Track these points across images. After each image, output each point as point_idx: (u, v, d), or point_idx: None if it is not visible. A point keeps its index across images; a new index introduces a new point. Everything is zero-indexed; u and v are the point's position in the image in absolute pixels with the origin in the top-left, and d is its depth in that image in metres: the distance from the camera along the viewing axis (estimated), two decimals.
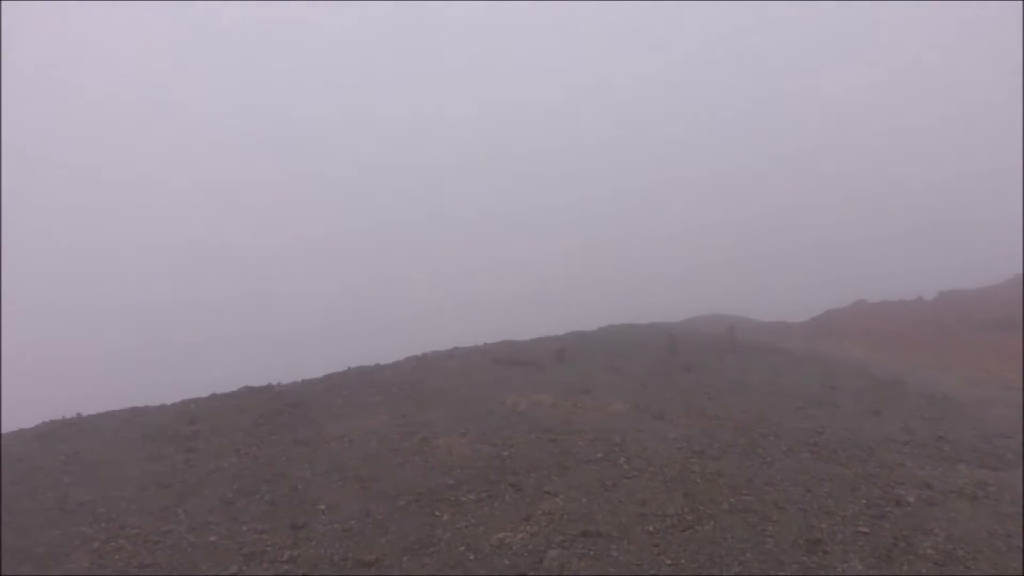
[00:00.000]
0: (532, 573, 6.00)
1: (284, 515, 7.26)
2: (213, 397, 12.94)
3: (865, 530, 6.78)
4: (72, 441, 9.87)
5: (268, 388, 13.53)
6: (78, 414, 11.65)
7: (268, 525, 7.02)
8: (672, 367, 15.68)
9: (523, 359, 16.06)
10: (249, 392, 13.14)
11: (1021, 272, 36.88)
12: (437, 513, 7.26)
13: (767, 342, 25.87)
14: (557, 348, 17.08)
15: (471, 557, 6.32)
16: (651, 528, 6.88)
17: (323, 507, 7.46)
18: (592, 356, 17.23)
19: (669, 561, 6.20)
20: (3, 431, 10.57)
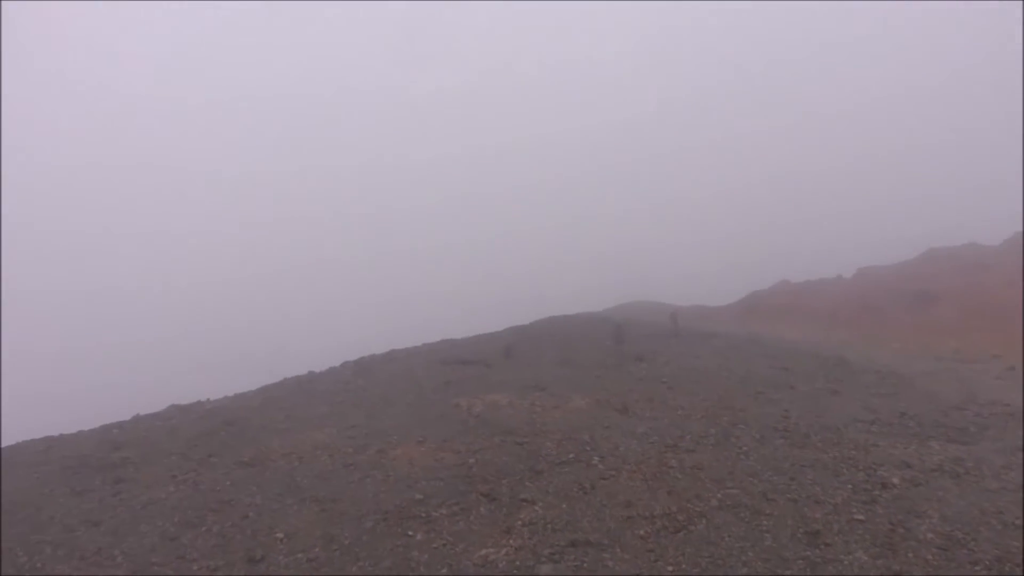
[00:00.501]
0: None
1: (238, 548, 6.46)
2: (138, 419, 11.78)
3: (860, 517, 6.63)
4: None
5: (198, 405, 12.45)
6: None
7: (221, 561, 6.21)
8: (623, 358, 15.47)
9: (469, 358, 15.48)
10: (178, 411, 12.05)
11: (929, 248, 39.20)
12: (409, 533, 6.63)
13: (705, 327, 26.31)
14: (503, 345, 16.59)
15: None
16: (642, 532, 6.50)
17: (281, 535, 6.69)
18: (539, 351, 16.82)
19: (670, 567, 5.82)
20: None
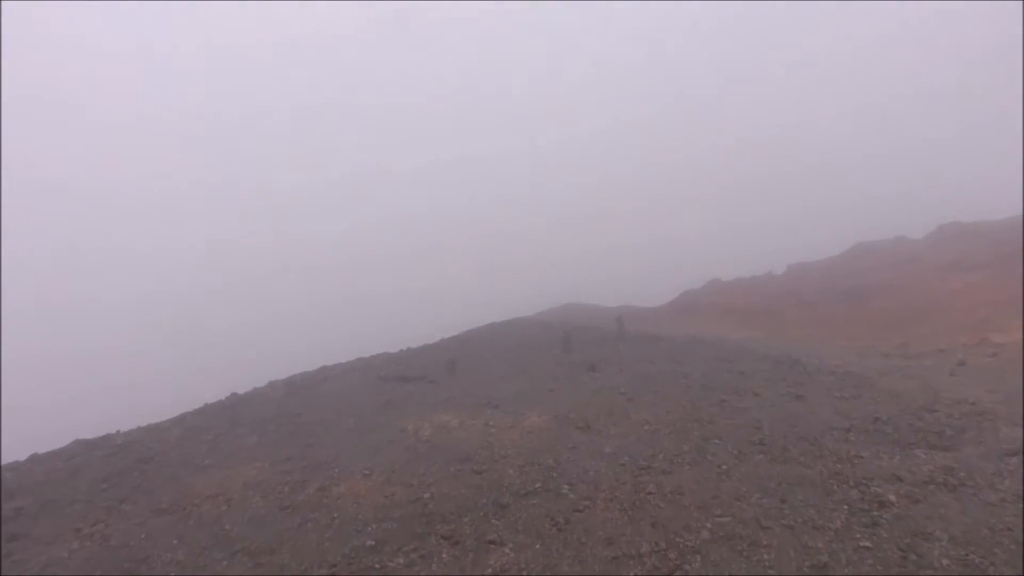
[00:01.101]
0: None
1: None
2: (34, 460, 10.25)
3: (867, 544, 6.14)
4: None
5: (107, 440, 11.03)
6: None
7: None
8: (574, 367, 14.86)
9: (411, 374, 14.53)
10: (82, 447, 10.62)
11: (857, 243, 40.64)
12: None
13: (646, 328, 26.13)
14: (445, 358, 15.71)
15: None
16: None
17: None
18: (485, 363, 16.02)
19: None
20: None
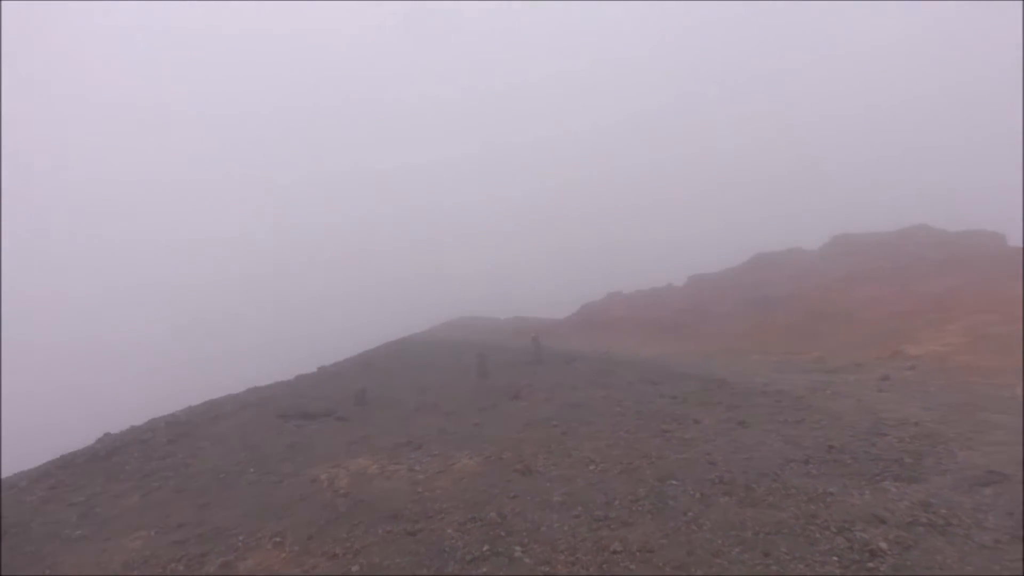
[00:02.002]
0: None
1: None
2: None
3: None
4: None
5: None
6: None
7: None
8: (496, 395, 13.92)
9: (315, 409, 13.07)
10: None
11: (756, 254, 42.13)
12: None
13: (556, 347, 25.59)
14: (350, 388, 14.31)
15: None
16: None
17: None
18: (393, 392, 14.77)
19: None
20: None
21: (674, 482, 8.50)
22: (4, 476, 11.46)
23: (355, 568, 6.39)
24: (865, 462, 9.13)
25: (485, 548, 6.74)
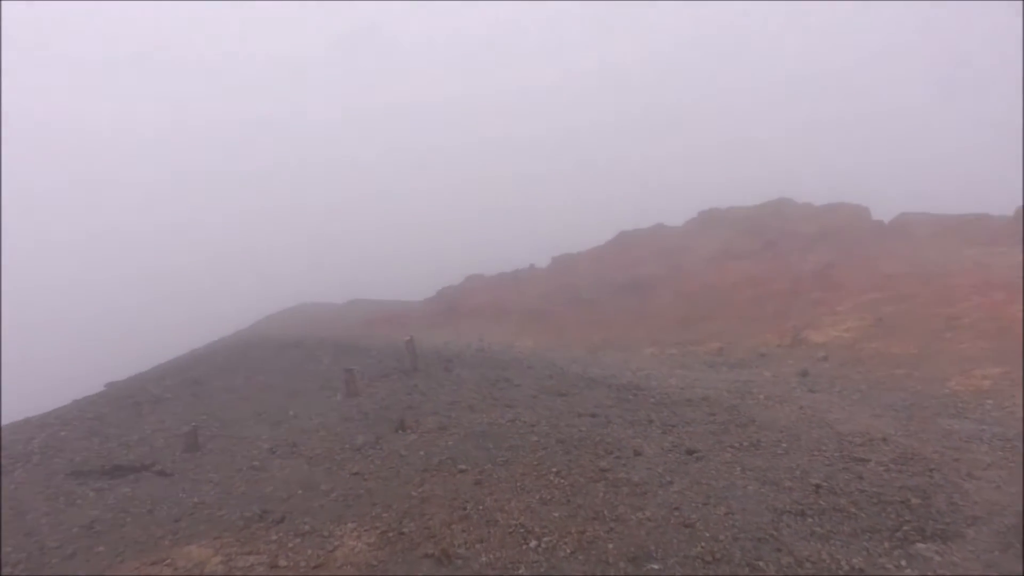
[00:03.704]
0: None
1: None
2: None
3: None
4: None
5: None
6: None
7: None
8: (373, 423, 11.08)
9: (124, 459, 9.65)
10: None
11: (620, 232, 41.38)
12: None
13: (419, 340, 22.85)
14: (181, 424, 10.84)
15: None
16: None
17: None
18: (234, 426, 11.48)
19: None
20: None
21: (654, 566, 6.25)
22: None
23: None
24: (870, 509, 7.37)
25: None
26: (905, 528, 6.84)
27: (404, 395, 13.05)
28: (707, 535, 6.80)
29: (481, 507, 7.67)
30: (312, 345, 21.40)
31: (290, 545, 7.02)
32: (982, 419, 10.49)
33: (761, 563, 6.21)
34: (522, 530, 7.09)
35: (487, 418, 11.15)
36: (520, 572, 6.22)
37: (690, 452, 9.35)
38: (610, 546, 6.65)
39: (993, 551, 6.30)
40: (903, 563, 6.17)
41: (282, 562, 6.61)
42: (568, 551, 6.58)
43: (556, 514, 7.40)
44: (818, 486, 7.94)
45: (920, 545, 6.51)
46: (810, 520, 7.12)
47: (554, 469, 8.77)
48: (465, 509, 7.63)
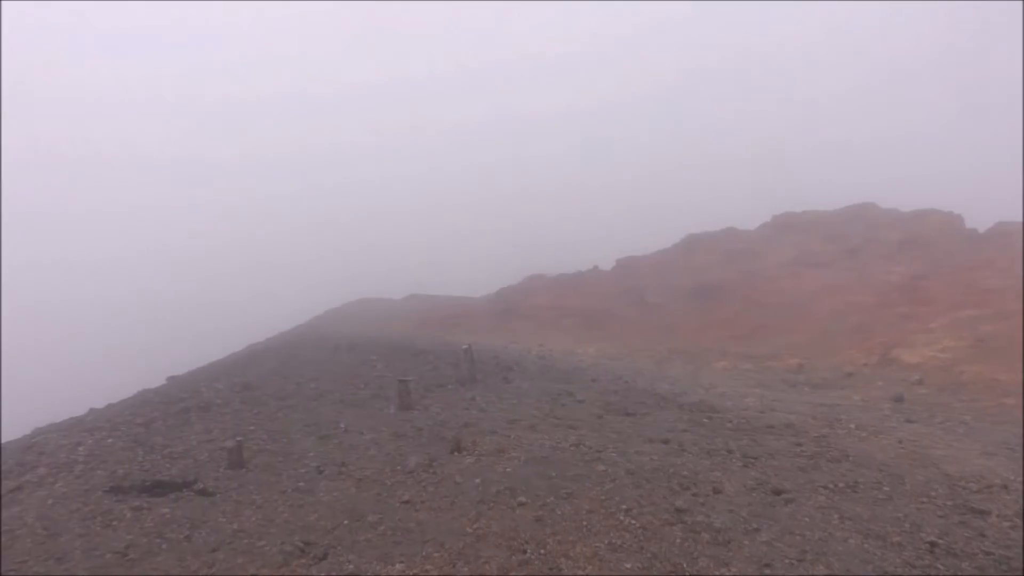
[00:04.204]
0: None
1: None
2: None
3: None
4: None
5: None
6: None
7: None
8: (426, 443, 10.40)
9: (166, 473, 9.24)
10: None
11: (688, 235, 39.99)
12: None
13: (478, 344, 22.21)
14: (227, 438, 10.38)
15: None
16: None
17: None
18: (281, 439, 10.96)
19: None
20: None
21: None
22: None
23: None
24: None
25: None
26: None
27: (461, 409, 12.36)
28: None
29: (543, 551, 6.89)
30: (366, 347, 20.96)
31: None
32: None
33: None
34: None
35: (549, 440, 10.36)
36: None
37: (777, 492, 8.38)
38: None
39: None
40: None
41: None
42: None
43: (628, 565, 6.57)
44: (933, 544, 6.90)
45: None
46: None
47: (624, 506, 7.92)
48: (525, 552, 6.87)
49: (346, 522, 7.80)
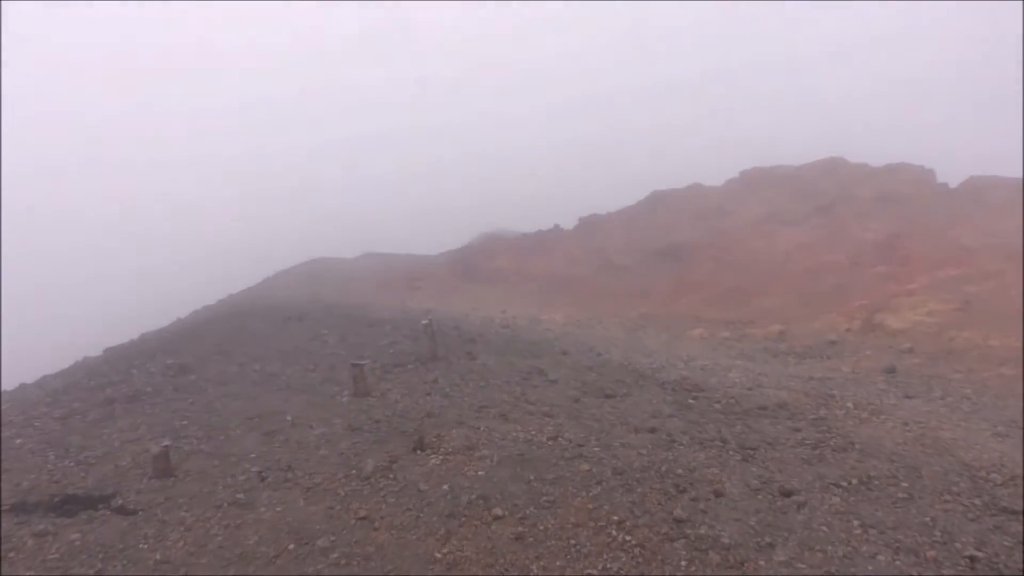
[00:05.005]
0: None
1: None
2: None
3: None
4: None
5: None
6: None
7: None
8: (386, 436, 9.29)
9: (81, 489, 7.81)
10: None
11: (653, 191, 38.97)
12: None
13: (439, 312, 21.03)
14: (155, 451, 9.00)
15: None
16: None
17: None
18: (216, 433, 9.72)
19: None
20: None
21: None
22: None
23: None
24: None
25: None
26: None
27: (422, 395, 11.21)
28: None
29: None
30: (318, 316, 19.64)
31: None
32: None
33: None
34: None
35: (523, 433, 9.32)
36: None
37: (786, 494, 7.49)
38: None
39: None
40: None
41: None
42: None
43: None
44: (973, 560, 6.08)
45: None
46: None
47: (615, 517, 6.95)
48: None
49: (292, 546, 6.68)
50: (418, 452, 8.75)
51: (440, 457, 8.57)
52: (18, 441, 10.04)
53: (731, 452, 8.68)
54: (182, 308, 31.85)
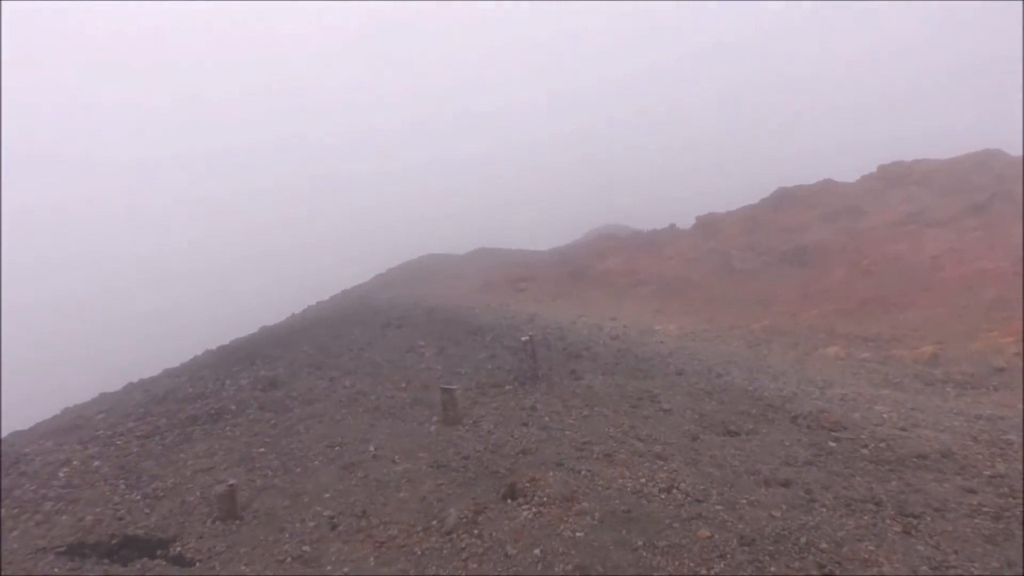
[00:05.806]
0: None
1: None
2: None
3: None
4: None
5: None
6: None
7: None
8: (475, 479, 8.31)
9: (140, 530, 7.28)
10: None
11: (779, 188, 36.46)
12: None
13: (542, 317, 19.98)
14: (220, 490, 8.44)
15: None
16: None
17: None
18: (291, 475, 9.04)
19: None
20: None
21: None
22: None
23: None
24: None
25: None
26: None
27: (518, 425, 10.13)
28: None
29: None
30: (418, 322, 19.01)
31: None
32: None
33: None
34: None
35: (631, 481, 8.07)
36: None
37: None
38: None
39: None
40: None
41: None
42: None
43: None
44: None
45: None
46: None
47: None
48: None
49: None
50: (508, 501, 7.68)
51: (533, 510, 7.46)
52: (96, 463, 9.70)
53: (888, 520, 7.12)
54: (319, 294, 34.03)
